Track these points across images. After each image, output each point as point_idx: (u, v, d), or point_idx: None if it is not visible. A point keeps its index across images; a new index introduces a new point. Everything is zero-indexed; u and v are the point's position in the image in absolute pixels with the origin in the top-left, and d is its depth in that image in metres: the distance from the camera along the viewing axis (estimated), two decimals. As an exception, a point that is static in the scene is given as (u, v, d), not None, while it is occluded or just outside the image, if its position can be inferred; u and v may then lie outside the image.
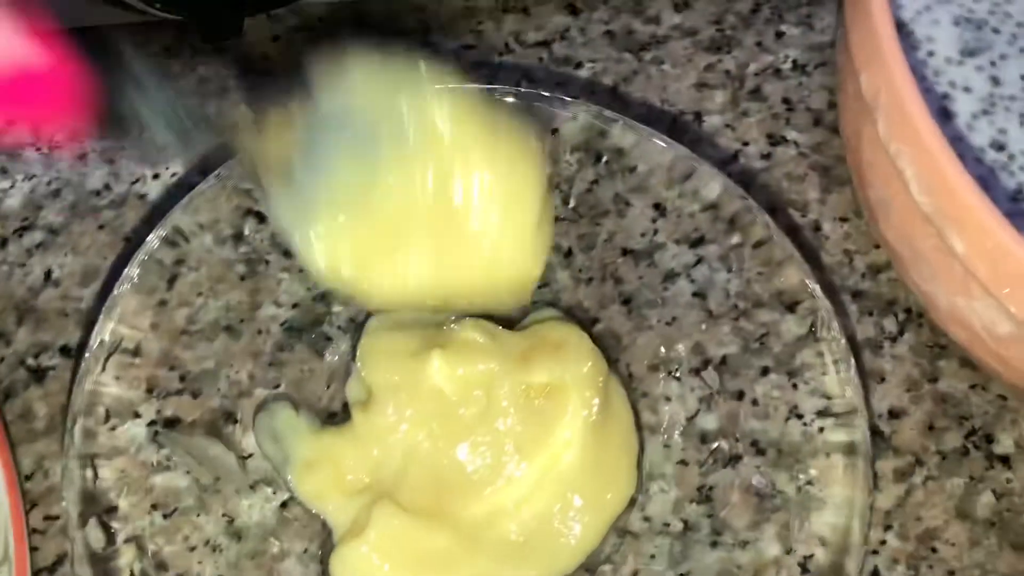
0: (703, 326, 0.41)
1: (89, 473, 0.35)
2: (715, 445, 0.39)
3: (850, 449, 0.36)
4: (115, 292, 0.38)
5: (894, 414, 0.42)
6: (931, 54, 0.38)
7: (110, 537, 0.34)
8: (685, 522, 0.38)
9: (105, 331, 0.37)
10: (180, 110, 0.30)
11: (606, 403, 0.38)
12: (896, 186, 0.32)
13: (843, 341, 0.37)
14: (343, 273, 0.32)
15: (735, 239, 0.40)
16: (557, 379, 0.37)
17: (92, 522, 0.34)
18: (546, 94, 0.41)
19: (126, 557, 0.35)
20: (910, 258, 0.35)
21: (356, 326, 0.42)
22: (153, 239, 0.39)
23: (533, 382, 0.37)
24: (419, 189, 0.31)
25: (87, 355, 0.37)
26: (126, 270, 0.38)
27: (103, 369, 0.37)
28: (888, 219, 0.35)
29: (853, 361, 0.37)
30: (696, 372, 0.41)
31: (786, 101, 0.48)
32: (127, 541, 0.35)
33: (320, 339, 0.41)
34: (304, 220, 0.32)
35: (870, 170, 0.35)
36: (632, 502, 0.39)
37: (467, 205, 0.32)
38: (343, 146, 0.31)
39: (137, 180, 0.46)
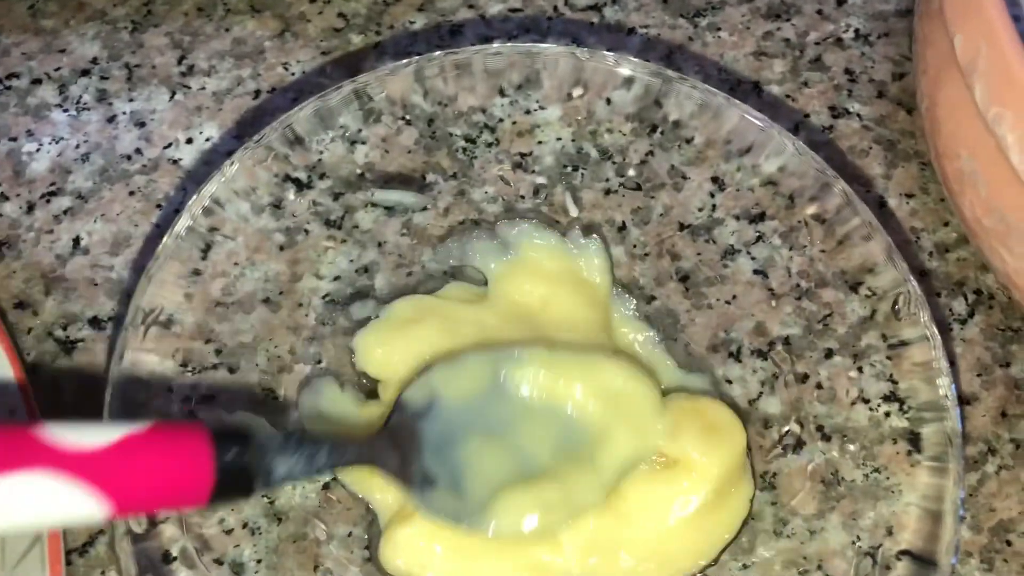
0: (764, 305, 0.39)
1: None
2: (785, 430, 0.37)
3: (929, 436, 0.34)
4: (153, 262, 0.36)
5: (965, 400, 0.40)
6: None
7: (151, 516, 0.33)
8: (748, 511, 0.36)
9: (143, 301, 0.35)
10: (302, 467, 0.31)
11: (728, 488, 0.36)
12: (991, 155, 0.30)
13: (930, 320, 0.35)
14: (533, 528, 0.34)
15: (798, 214, 0.38)
16: (694, 458, 0.36)
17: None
18: (604, 52, 0.39)
19: (168, 534, 0.33)
20: (1000, 232, 0.33)
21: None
22: (192, 207, 0.37)
23: (669, 449, 0.36)
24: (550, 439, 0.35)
25: (125, 326, 0.35)
26: (164, 240, 0.36)
27: (142, 340, 0.35)
28: (977, 192, 0.33)
29: (940, 341, 0.35)
30: (758, 353, 0.39)
31: (848, 72, 0.46)
32: (167, 520, 0.33)
33: (363, 312, 0.39)
34: (480, 504, 0.34)
35: (956, 140, 0.33)
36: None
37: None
38: (468, 438, 0.35)
39: (170, 144, 0.44)
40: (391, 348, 0.38)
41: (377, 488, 0.36)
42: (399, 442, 0.34)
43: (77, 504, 0.26)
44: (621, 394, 0.36)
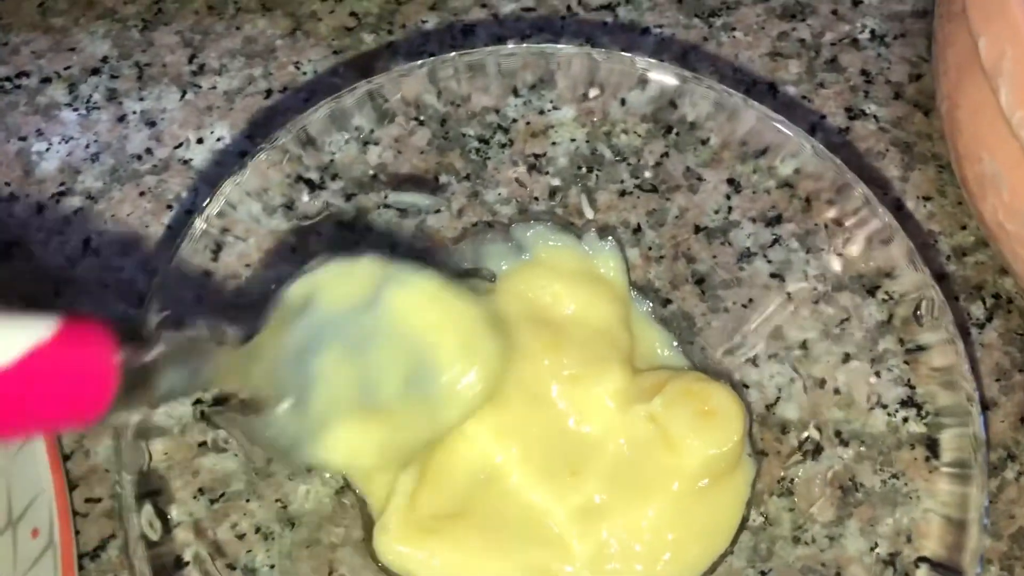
0: (781, 309, 0.39)
1: (144, 454, 0.33)
2: (804, 436, 0.37)
3: (948, 442, 0.34)
4: (166, 266, 0.36)
5: (984, 405, 0.39)
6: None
7: (165, 522, 0.32)
8: (765, 516, 0.36)
9: (156, 303, 0.35)
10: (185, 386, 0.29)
11: (724, 476, 0.36)
12: (1015, 158, 0.30)
13: (952, 325, 0.34)
14: (365, 462, 0.33)
15: (815, 217, 0.38)
16: (692, 444, 0.35)
17: (147, 506, 0.32)
18: (622, 53, 0.39)
19: (182, 539, 0.32)
20: (1022, 236, 0.32)
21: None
22: (208, 210, 0.36)
23: (667, 430, 0.35)
24: (401, 372, 0.33)
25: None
26: (178, 242, 0.36)
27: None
28: (999, 195, 0.32)
29: (962, 346, 0.34)
30: (775, 358, 0.38)
31: (864, 73, 0.46)
32: (180, 525, 0.33)
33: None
34: (315, 429, 0.32)
35: (977, 143, 0.33)
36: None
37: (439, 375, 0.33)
38: (329, 348, 0.32)
39: (180, 144, 0.44)
40: None
41: (376, 484, 0.36)
42: (273, 351, 0.32)
43: None
44: (475, 348, 0.33)
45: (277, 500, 0.35)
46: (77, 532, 0.36)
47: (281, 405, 0.32)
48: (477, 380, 0.33)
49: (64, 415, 0.25)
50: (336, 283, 0.33)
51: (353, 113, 0.39)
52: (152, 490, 0.32)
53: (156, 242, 0.42)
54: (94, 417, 0.25)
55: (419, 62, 0.39)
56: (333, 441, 0.32)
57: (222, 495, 0.35)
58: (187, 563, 0.32)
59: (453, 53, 0.39)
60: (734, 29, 0.46)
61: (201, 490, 0.34)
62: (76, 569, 0.33)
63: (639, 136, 0.40)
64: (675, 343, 0.39)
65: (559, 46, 0.40)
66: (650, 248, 0.40)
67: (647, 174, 0.40)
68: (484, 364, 0.33)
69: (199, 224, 0.36)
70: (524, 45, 0.40)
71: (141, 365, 0.26)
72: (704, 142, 0.40)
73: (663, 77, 0.39)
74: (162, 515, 0.32)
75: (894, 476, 0.35)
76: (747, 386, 0.38)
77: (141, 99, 0.45)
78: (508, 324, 0.37)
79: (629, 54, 0.39)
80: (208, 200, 0.36)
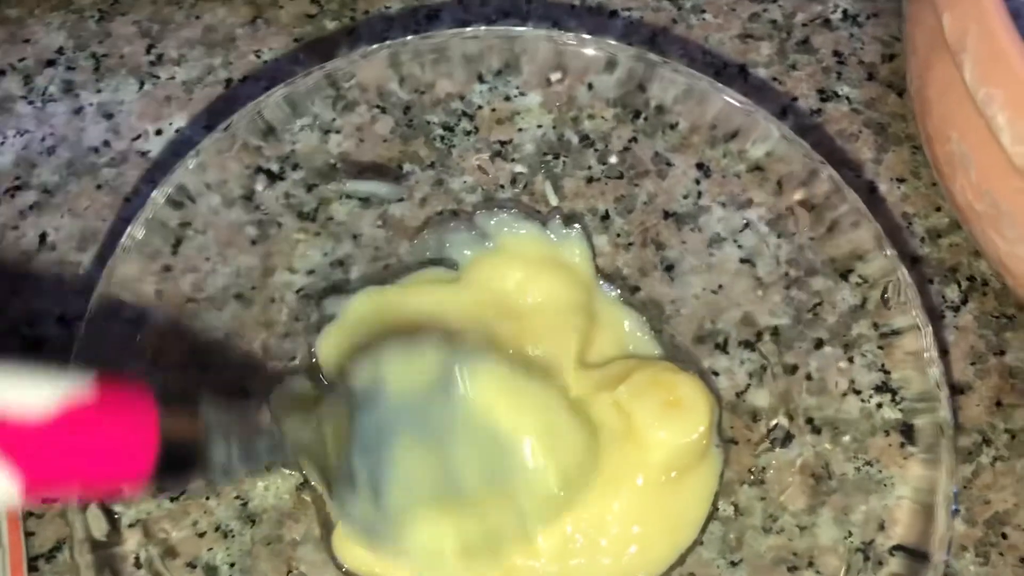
0: (752, 295, 0.38)
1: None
2: (774, 423, 0.36)
3: (923, 427, 0.33)
4: (115, 255, 0.35)
5: (958, 389, 0.39)
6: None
7: (113, 522, 0.31)
8: (736, 506, 0.35)
9: (105, 297, 0.34)
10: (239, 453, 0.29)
11: (691, 467, 0.35)
12: (981, 137, 0.29)
13: (920, 309, 0.34)
14: (448, 553, 0.32)
15: (786, 201, 0.37)
16: (657, 435, 0.34)
17: (93, 506, 0.31)
18: (585, 36, 0.38)
19: (131, 543, 0.32)
20: (991, 216, 0.32)
21: (377, 294, 0.38)
22: (156, 197, 0.36)
23: (633, 420, 0.35)
24: (481, 462, 0.32)
25: (87, 321, 0.34)
26: (127, 231, 0.35)
27: (104, 338, 0.34)
28: (968, 175, 0.32)
29: (931, 330, 0.33)
30: (746, 344, 0.38)
31: (837, 54, 0.45)
32: (132, 526, 0.32)
33: (338, 307, 0.38)
34: (394, 517, 0.31)
35: (946, 123, 0.32)
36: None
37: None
38: (402, 436, 0.32)
39: (138, 136, 0.43)
40: (343, 356, 0.36)
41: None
42: (332, 431, 0.32)
43: None
44: (561, 440, 0.33)
45: (237, 497, 0.34)
46: (32, 533, 0.35)
47: (357, 491, 0.31)
48: (560, 473, 0.33)
49: (104, 477, 0.24)
50: (401, 367, 0.33)
51: (312, 99, 0.38)
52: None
53: (113, 236, 0.41)
54: (137, 483, 0.24)
55: (378, 46, 0.38)
56: (413, 531, 0.31)
57: (182, 493, 0.34)
58: (138, 566, 0.32)
59: (413, 37, 0.38)
60: (704, 11, 0.46)
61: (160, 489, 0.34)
62: (26, 571, 0.32)
63: (606, 120, 0.40)
64: (647, 327, 0.39)
65: (523, 29, 0.39)
66: (618, 235, 0.39)
67: (614, 159, 0.40)
68: (567, 455, 0.33)
69: (148, 210, 0.35)
70: (486, 28, 0.39)
71: (187, 435, 0.25)
72: (673, 126, 0.39)
73: (629, 62, 0.38)
74: (109, 514, 0.31)
75: (868, 463, 0.34)
76: (717, 373, 0.37)
77: (98, 91, 0.44)
78: (476, 310, 0.36)
79: (594, 37, 0.38)
80: (159, 186, 0.36)
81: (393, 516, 0.31)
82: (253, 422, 0.29)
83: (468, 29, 0.39)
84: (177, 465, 0.25)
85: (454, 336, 0.35)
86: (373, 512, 0.31)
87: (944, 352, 0.39)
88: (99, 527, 0.31)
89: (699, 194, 0.39)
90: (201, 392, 0.29)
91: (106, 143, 0.43)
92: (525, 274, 0.38)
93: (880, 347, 0.35)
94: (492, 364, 0.33)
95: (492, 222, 0.39)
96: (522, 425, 0.33)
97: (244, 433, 0.28)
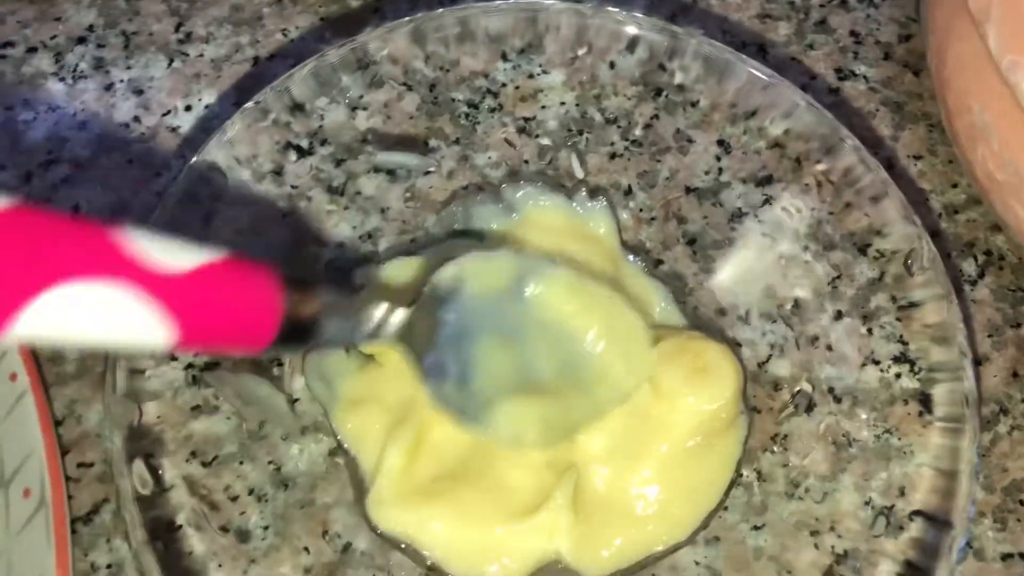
0: (773, 268, 0.39)
1: (135, 413, 0.33)
2: (797, 389, 0.37)
3: (940, 396, 0.34)
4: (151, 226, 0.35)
5: (976, 361, 0.39)
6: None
7: (157, 478, 0.32)
8: (759, 472, 0.36)
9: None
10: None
11: (719, 431, 0.36)
12: (1004, 105, 0.30)
13: (945, 277, 0.34)
14: (530, 437, 0.35)
15: (806, 176, 0.38)
16: (686, 401, 0.35)
17: (138, 462, 0.32)
18: (612, 9, 0.39)
19: (176, 499, 0.32)
20: (1013, 185, 0.32)
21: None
22: (187, 174, 0.36)
23: (661, 386, 0.36)
24: (555, 357, 0.35)
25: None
26: (159, 205, 0.36)
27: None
28: (989, 146, 0.32)
29: (956, 299, 0.34)
30: (767, 316, 0.38)
31: (854, 34, 0.46)
32: (174, 487, 0.32)
33: (368, 278, 0.39)
34: (480, 404, 0.34)
35: (967, 95, 0.33)
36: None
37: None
38: (484, 333, 0.35)
39: (168, 112, 0.43)
40: None
41: (369, 443, 0.36)
42: (424, 326, 0.33)
43: (146, 326, 0.23)
44: (623, 333, 0.36)
45: (270, 462, 0.35)
46: (70, 497, 0.36)
47: (446, 379, 0.34)
48: (623, 359, 0.35)
49: (236, 336, 0.27)
50: (479, 273, 0.35)
51: (340, 75, 0.39)
52: (144, 448, 0.32)
53: (146, 209, 0.41)
54: (260, 346, 0.27)
55: (406, 19, 0.39)
56: (500, 415, 0.34)
57: (215, 458, 0.35)
58: (180, 526, 0.32)
59: (440, 10, 0.39)
60: (723, -9, 0.46)
61: (194, 453, 0.34)
62: (68, 529, 0.33)
63: (628, 98, 0.40)
64: (671, 298, 0.39)
65: (548, 2, 0.40)
66: (641, 209, 0.40)
67: (637, 135, 0.40)
68: (627, 344, 0.35)
69: (180, 185, 0.36)
70: (512, 1, 0.40)
71: (307, 309, 0.28)
72: (694, 104, 0.40)
73: (652, 34, 0.39)
74: (154, 471, 0.32)
75: (887, 431, 0.35)
76: (739, 344, 0.38)
77: (128, 68, 0.44)
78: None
79: (618, 10, 0.39)
80: (193, 159, 0.36)
81: (480, 401, 0.33)
82: (361, 308, 0.31)
83: (493, 2, 0.39)
84: (296, 334, 0.28)
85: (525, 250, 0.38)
86: (462, 397, 0.33)
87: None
88: (144, 481, 0.31)
89: (720, 170, 0.40)
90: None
91: (136, 119, 0.44)
92: (552, 244, 0.38)
93: (898, 319, 0.36)
94: (560, 270, 0.35)
95: (519, 195, 0.40)
96: (587, 321, 0.35)
97: (354, 314, 0.31)
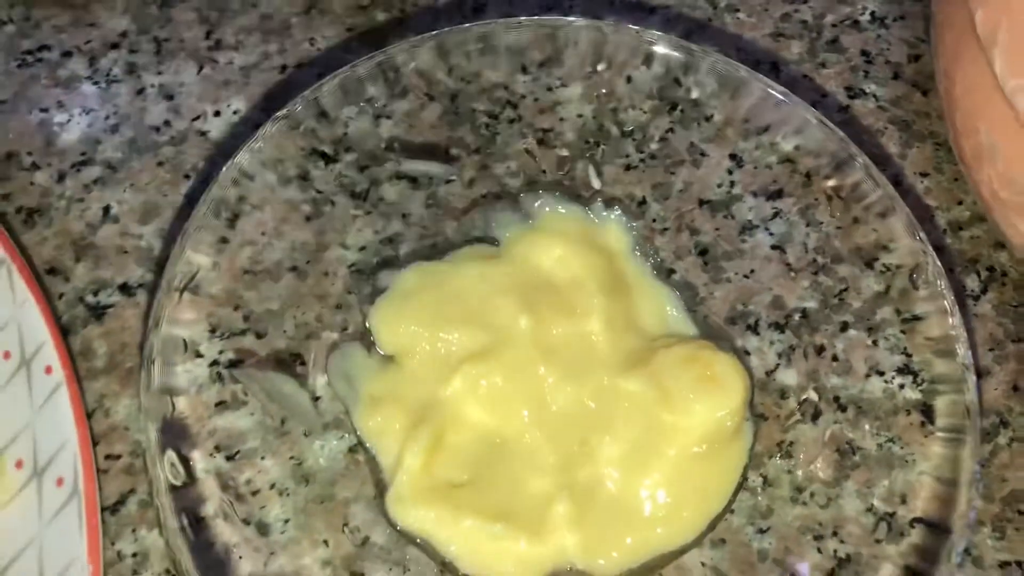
0: (782, 280, 0.40)
1: (168, 406, 0.34)
2: (804, 397, 0.38)
3: (942, 408, 0.35)
4: (186, 230, 0.37)
5: (977, 374, 0.40)
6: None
7: (188, 469, 0.33)
8: (764, 477, 0.37)
9: (178, 267, 0.36)
10: None
11: (725, 439, 0.37)
12: (1009, 127, 0.31)
13: (949, 292, 0.35)
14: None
15: (815, 191, 0.39)
16: (693, 408, 0.36)
17: (170, 453, 0.33)
18: (631, 26, 0.40)
19: (207, 489, 0.34)
20: (1018, 204, 0.33)
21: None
22: (222, 179, 0.37)
23: (669, 393, 0.36)
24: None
25: (161, 291, 0.36)
26: (196, 208, 0.37)
27: (176, 306, 0.36)
28: (994, 165, 0.33)
29: (959, 314, 0.35)
30: (775, 326, 0.39)
31: (864, 53, 0.47)
32: (202, 479, 0.34)
33: (389, 281, 0.40)
34: None
35: (974, 116, 0.34)
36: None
37: None
38: None
39: (198, 117, 0.45)
40: (395, 326, 0.38)
41: (388, 442, 0.36)
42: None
43: None
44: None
45: (291, 457, 0.36)
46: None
47: None
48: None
49: None
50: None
51: (366, 86, 0.40)
52: (174, 441, 0.34)
53: (175, 210, 0.43)
54: None
55: (433, 32, 0.40)
56: None
57: (237, 452, 0.36)
58: (207, 516, 0.34)
59: (465, 25, 0.40)
60: (738, 10, 0.48)
61: (217, 447, 0.35)
62: (100, 517, 0.34)
63: (644, 112, 0.41)
64: (683, 306, 0.40)
65: (568, 19, 0.41)
66: (654, 220, 0.41)
67: (652, 148, 0.41)
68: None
69: (215, 191, 0.37)
70: (535, 18, 0.41)
71: None
72: (708, 119, 0.41)
73: (669, 50, 0.40)
74: (185, 462, 0.33)
75: (890, 440, 0.36)
76: (748, 352, 0.39)
77: (159, 73, 0.46)
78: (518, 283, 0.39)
79: (636, 27, 0.40)
80: (226, 167, 0.38)
81: None
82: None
83: (514, 19, 0.41)
84: None
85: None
86: None
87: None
88: (175, 472, 0.33)
89: (732, 183, 0.41)
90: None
91: (167, 123, 0.45)
92: (565, 250, 0.39)
93: (902, 331, 0.37)
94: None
95: (536, 204, 0.41)
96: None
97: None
